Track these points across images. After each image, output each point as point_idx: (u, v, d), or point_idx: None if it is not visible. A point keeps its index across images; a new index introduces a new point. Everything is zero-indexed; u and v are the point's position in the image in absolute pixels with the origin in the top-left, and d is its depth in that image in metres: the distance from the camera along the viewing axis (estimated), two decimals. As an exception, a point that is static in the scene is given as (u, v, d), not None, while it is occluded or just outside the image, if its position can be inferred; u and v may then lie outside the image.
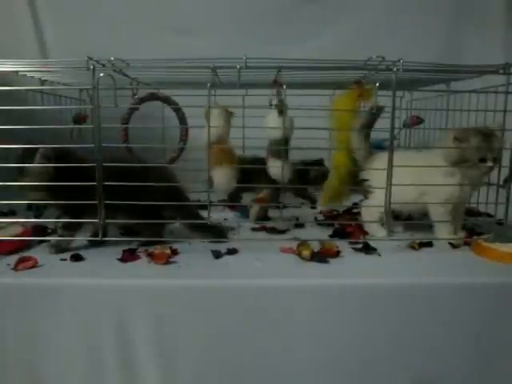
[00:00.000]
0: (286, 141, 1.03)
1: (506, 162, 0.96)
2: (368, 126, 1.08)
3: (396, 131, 1.07)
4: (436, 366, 0.80)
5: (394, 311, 0.79)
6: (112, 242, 0.97)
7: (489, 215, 1.18)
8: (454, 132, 0.97)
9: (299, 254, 0.91)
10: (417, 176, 0.95)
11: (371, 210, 1.06)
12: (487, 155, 0.94)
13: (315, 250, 0.91)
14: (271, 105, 1.06)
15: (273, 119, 1.02)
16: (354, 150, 1.12)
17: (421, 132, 1.36)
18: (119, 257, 0.89)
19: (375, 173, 1.04)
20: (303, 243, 0.93)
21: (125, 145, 1.28)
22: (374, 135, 1.14)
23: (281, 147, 1.01)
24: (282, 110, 1.00)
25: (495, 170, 0.98)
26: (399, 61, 0.90)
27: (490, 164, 0.94)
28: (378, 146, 1.15)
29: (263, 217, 1.20)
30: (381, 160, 1.04)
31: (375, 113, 1.04)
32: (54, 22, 1.63)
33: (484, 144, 0.93)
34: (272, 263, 0.89)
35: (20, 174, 0.88)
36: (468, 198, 1.03)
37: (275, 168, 1.03)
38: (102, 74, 0.89)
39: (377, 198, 1.04)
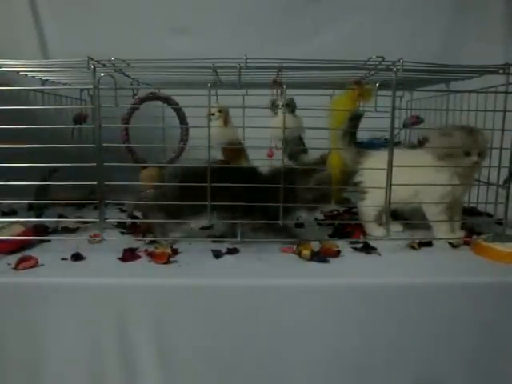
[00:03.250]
0: (300, 139, 1.03)
1: (506, 162, 0.97)
2: (351, 131, 1.09)
3: (396, 131, 1.08)
4: (436, 366, 0.80)
5: (393, 311, 0.79)
6: (113, 241, 0.97)
7: (488, 215, 1.19)
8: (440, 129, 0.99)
9: (299, 254, 0.91)
10: (409, 175, 0.95)
11: (367, 209, 1.06)
12: (472, 149, 0.95)
13: (315, 250, 0.91)
14: (278, 105, 1.06)
15: (279, 119, 1.02)
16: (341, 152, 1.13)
17: (420, 132, 1.36)
18: (120, 256, 0.89)
19: (368, 172, 1.05)
20: (303, 243, 0.94)
21: (125, 145, 1.29)
22: (369, 134, 1.15)
23: (285, 146, 1.01)
24: (293, 109, 1.00)
25: (494, 170, 0.99)
26: (399, 61, 0.90)
27: (474, 158, 0.95)
28: (370, 145, 1.15)
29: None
30: (372, 159, 1.04)
31: (354, 119, 1.06)
32: (55, 22, 1.63)
33: (468, 138, 0.95)
34: (272, 263, 0.89)
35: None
36: (463, 197, 1.03)
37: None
38: (102, 74, 0.90)
39: (372, 197, 1.04)
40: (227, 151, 1.06)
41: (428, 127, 1.23)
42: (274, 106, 1.10)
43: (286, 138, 1.04)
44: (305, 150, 1.05)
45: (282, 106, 1.06)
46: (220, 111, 1.04)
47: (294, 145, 1.00)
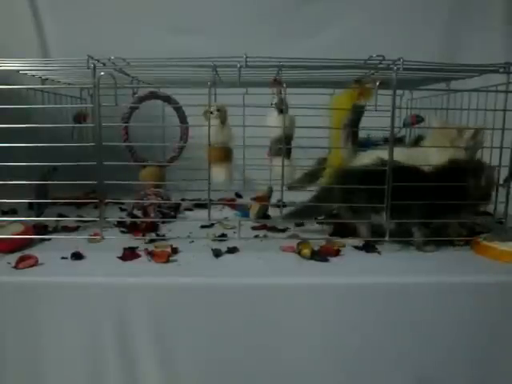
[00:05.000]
0: (288, 139, 1.03)
1: (506, 161, 0.96)
2: (352, 126, 1.08)
3: (396, 130, 1.07)
4: (436, 366, 0.80)
5: (394, 310, 0.79)
6: (113, 240, 0.97)
7: (489, 214, 1.19)
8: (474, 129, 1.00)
9: (299, 253, 0.91)
10: None
11: None
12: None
13: (315, 249, 0.91)
14: (272, 104, 1.06)
15: (273, 118, 1.02)
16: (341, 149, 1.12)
17: (421, 131, 1.36)
18: (119, 255, 0.89)
19: None
20: (303, 242, 0.94)
21: (125, 143, 1.29)
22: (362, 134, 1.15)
23: (281, 146, 1.01)
24: (281, 108, 1.00)
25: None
26: (399, 60, 0.90)
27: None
28: (365, 145, 1.15)
29: (263, 215, 1.20)
30: (366, 158, 1.04)
31: (356, 111, 1.05)
32: (55, 21, 1.63)
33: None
34: (272, 262, 0.89)
35: None
36: None
37: (277, 167, 1.03)
38: (102, 73, 0.89)
39: None
40: (214, 151, 1.06)
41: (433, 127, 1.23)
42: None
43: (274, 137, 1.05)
44: (288, 150, 1.05)
45: (272, 104, 1.06)
46: (218, 110, 1.03)
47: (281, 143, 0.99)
